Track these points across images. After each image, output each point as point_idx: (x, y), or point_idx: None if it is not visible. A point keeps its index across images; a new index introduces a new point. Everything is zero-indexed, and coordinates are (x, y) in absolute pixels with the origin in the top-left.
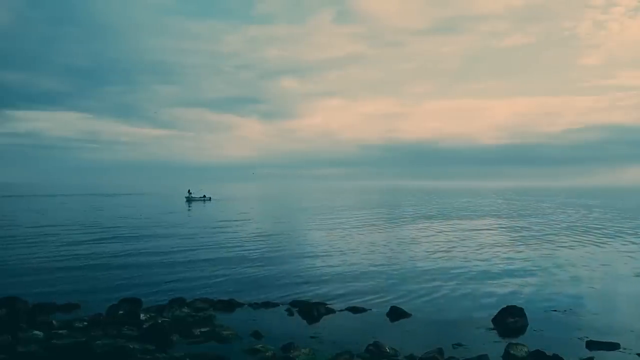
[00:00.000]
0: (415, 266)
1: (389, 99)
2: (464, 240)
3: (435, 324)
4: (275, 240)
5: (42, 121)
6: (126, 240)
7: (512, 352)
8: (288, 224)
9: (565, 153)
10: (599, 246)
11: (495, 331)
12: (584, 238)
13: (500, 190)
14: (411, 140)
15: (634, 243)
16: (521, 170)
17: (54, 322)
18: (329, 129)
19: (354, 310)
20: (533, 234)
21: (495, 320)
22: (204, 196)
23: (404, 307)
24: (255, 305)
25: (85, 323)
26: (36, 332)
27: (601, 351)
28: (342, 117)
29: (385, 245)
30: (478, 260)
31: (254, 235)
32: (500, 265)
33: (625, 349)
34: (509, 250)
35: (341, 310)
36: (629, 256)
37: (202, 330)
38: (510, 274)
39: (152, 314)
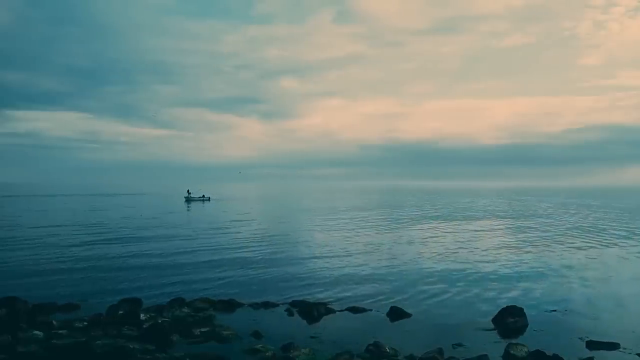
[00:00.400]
0: (415, 266)
1: (389, 99)
2: (464, 240)
3: (435, 324)
4: (275, 241)
5: (42, 121)
6: (126, 240)
7: (512, 352)
8: (288, 224)
9: (565, 153)
10: (600, 246)
11: (495, 331)
12: (584, 238)
13: (500, 190)
14: (411, 140)
15: (634, 245)
16: (521, 170)
17: (54, 322)
18: (329, 129)
19: (354, 310)
20: (533, 234)
21: (495, 320)
22: (203, 196)
23: (404, 307)
24: (255, 305)
25: (85, 323)
26: (36, 332)
27: (601, 351)
28: (342, 117)
29: (385, 246)
30: (478, 260)
31: (253, 235)
32: (501, 266)
33: (625, 349)
34: (509, 251)
35: (341, 310)
36: (629, 256)
37: (202, 330)
38: (510, 274)
39: (152, 314)
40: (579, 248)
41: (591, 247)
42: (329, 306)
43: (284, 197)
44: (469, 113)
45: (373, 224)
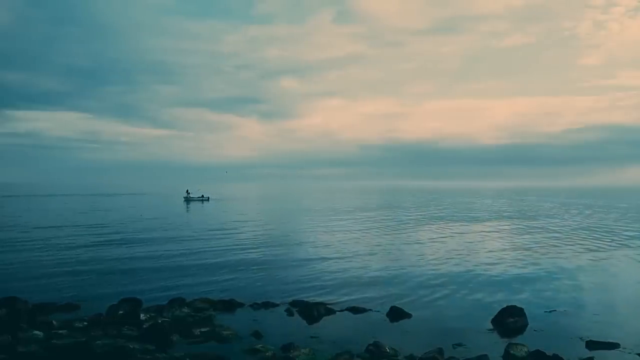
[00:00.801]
0: (415, 267)
1: (389, 99)
2: (464, 240)
3: (435, 324)
4: (275, 241)
5: (42, 121)
6: (126, 240)
7: (512, 352)
8: (288, 225)
9: (565, 153)
10: (600, 246)
11: (495, 331)
12: (585, 238)
13: (500, 190)
14: (411, 140)
15: (634, 245)
16: (521, 170)
17: (54, 322)
18: (329, 129)
19: (354, 310)
20: (533, 234)
21: (495, 320)
22: (202, 196)
23: (404, 308)
24: (255, 305)
25: (85, 323)
26: (36, 332)
27: (601, 351)
28: (342, 117)
29: (385, 246)
30: (478, 260)
31: (253, 235)
32: (501, 266)
33: (625, 349)
34: (509, 251)
35: (341, 310)
36: (629, 256)
37: (202, 330)
38: (510, 274)
39: (152, 314)
40: (580, 248)
41: (592, 247)
42: (329, 306)
43: (283, 197)
44: (469, 113)
45: (373, 224)
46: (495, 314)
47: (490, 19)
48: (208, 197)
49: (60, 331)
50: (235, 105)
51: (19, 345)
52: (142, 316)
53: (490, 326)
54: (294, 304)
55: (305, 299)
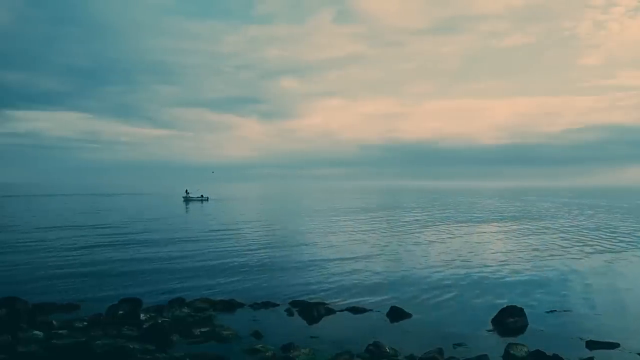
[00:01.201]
0: (416, 267)
1: (389, 99)
2: (464, 241)
3: (435, 324)
4: (275, 241)
5: (42, 121)
6: (126, 240)
7: (512, 352)
8: (287, 225)
9: (565, 153)
10: (601, 246)
11: (495, 331)
12: (585, 238)
13: (500, 190)
14: (411, 140)
15: (635, 245)
16: (521, 170)
17: (54, 322)
18: (329, 129)
19: (354, 310)
20: (532, 234)
21: (495, 320)
22: (202, 196)
23: (404, 308)
24: (255, 305)
25: (85, 323)
26: (36, 332)
27: (601, 351)
28: (342, 117)
29: (384, 246)
30: (478, 261)
31: (252, 235)
32: (501, 266)
33: (625, 349)
34: (509, 251)
35: (341, 310)
36: (630, 256)
37: (202, 330)
38: (511, 274)
39: (152, 314)
40: (580, 248)
41: (592, 247)
42: (329, 306)
43: (283, 198)
44: (469, 113)
45: (373, 225)
46: (495, 314)
47: (490, 19)
48: (207, 197)
49: (60, 331)
50: (235, 105)
51: (19, 345)
52: (142, 316)
53: (490, 326)
54: (294, 304)
55: (305, 299)
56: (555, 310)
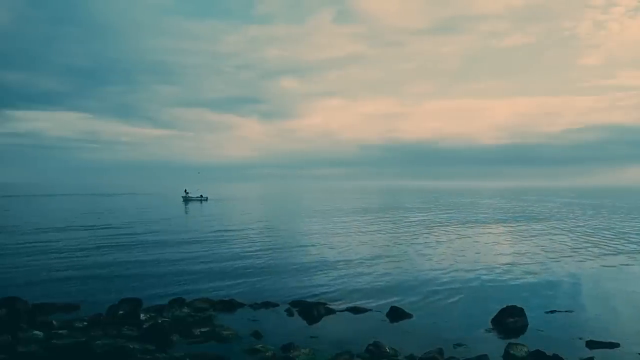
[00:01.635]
0: (416, 267)
1: (389, 99)
2: (464, 241)
3: (435, 324)
4: (275, 241)
5: (42, 121)
6: (126, 240)
7: (512, 352)
8: (287, 225)
9: (565, 153)
10: (601, 246)
11: (495, 331)
12: (586, 238)
13: (500, 190)
14: (411, 140)
15: (635, 245)
16: (521, 170)
17: (54, 322)
18: (329, 129)
19: (354, 310)
20: (532, 234)
21: (495, 320)
22: (201, 196)
23: (404, 308)
24: (255, 305)
25: (85, 323)
26: (36, 332)
27: (601, 351)
28: (342, 117)
29: (385, 247)
30: (478, 261)
31: (252, 235)
32: (501, 266)
33: (625, 349)
34: (509, 252)
35: (341, 310)
36: (630, 256)
37: (202, 330)
38: (511, 274)
39: (152, 314)
40: (581, 248)
41: (593, 247)
42: (329, 306)
43: (283, 198)
44: (469, 113)
45: (373, 225)
46: (495, 314)
47: (490, 19)
48: (207, 197)
49: (60, 331)
50: (235, 105)
51: (19, 345)
52: (142, 316)
53: (490, 326)
54: (294, 304)
55: (305, 299)
56: (555, 310)
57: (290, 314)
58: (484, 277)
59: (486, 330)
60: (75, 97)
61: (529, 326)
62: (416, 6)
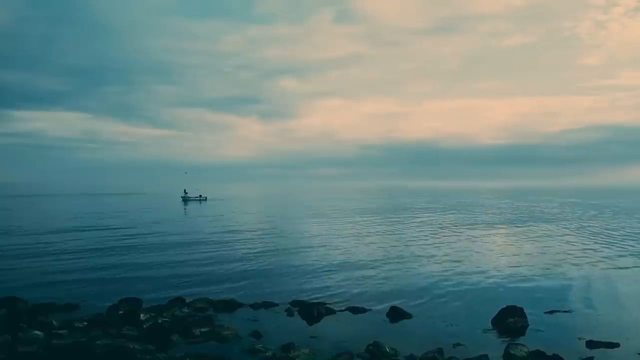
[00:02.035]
0: (416, 267)
1: (389, 99)
2: (465, 242)
3: (435, 324)
4: (274, 241)
5: (42, 121)
6: (125, 240)
7: (512, 352)
8: (287, 225)
9: (565, 153)
10: (602, 246)
11: (495, 331)
12: (586, 238)
13: (500, 190)
14: (411, 140)
15: (635, 245)
16: (521, 170)
17: (54, 322)
18: (329, 129)
19: (354, 310)
20: (532, 235)
21: (495, 320)
22: (200, 196)
23: (404, 308)
24: (255, 305)
25: (85, 323)
26: (36, 332)
27: (601, 351)
28: (342, 117)
29: (385, 247)
30: (478, 261)
31: (252, 235)
32: (501, 266)
33: (625, 349)
34: (510, 252)
35: (341, 310)
36: (630, 256)
37: (202, 330)
38: (511, 274)
39: (152, 314)
40: (581, 248)
41: (593, 247)
42: (329, 306)
43: (283, 198)
44: (469, 113)
45: (373, 225)
46: (495, 314)
47: (490, 19)
48: (206, 197)
49: (60, 331)
50: (235, 105)
51: (19, 345)
52: (142, 316)
53: (490, 326)
54: (294, 304)
55: (305, 299)
56: (555, 311)
57: (290, 314)
58: (484, 277)
59: (486, 330)
60: (75, 97)
61: (529, 326)
62: (416, 6)
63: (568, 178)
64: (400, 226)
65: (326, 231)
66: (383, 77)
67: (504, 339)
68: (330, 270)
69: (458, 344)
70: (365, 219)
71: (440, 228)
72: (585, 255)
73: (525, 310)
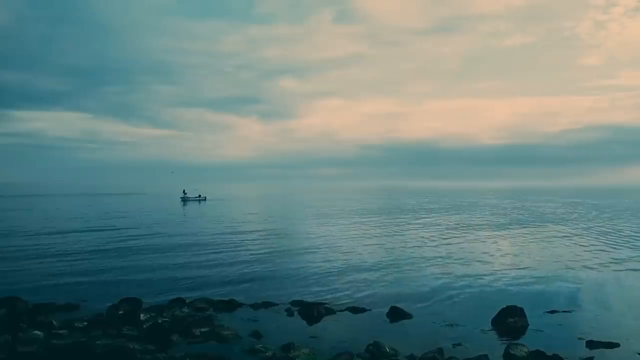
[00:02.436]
0: (416, 267)
1: (389, 99)
2: (465, 241)
3: (435, 324)
4: (274, 241)
5: (42, 121)
6: (125, 240)
7: (512, 352)
8: (287, 225)
9: (565, 153)
10: (602, 246)
11: (495, 331)
12: (586, 238)
13: (500, 190)
14: (411, 140)
15: (635, 245)
16: (521, 170)
17: (54, 322)
18: (329, 129)
19: (354, 310)
20: (531, 234)
21: (495, 320)
22: (199, 196)
23: (404, 307)
24: (255, 305)
25: (85, 323)
26: (36, 332)
27: (601, 351)
28: (342, 117)
29: (385, 247)
30: (478, 261)
31: (252, 235)
32: (501, 267)
33: (625, 349)
34: (510, 252)
35: (341, 310)
36: (630, 256)
37: (202, 330)
38: (511, 275)
39: (152, 314)
40: (581, 248)
41: (593, 247)
42: (329, 306)
43: (283, 198)
44: (469, 113)
45: (373, 225)
46: (495, 314)
47: (490, 19)
48: (205, 197)
49: (60, 331)
50: (235, 105)
51: (19, 345)
52: (142, 316)
53: (490, 326)
54: (294, 304)
55: (305, 299)
56: (555, 311)
57: (290, 314)
58: (484, 277)
59: (486, 330)
60: (75, 97)
61: (529, 326)
62: (416, 6)
63: (568, 178)
64: (400, 226)
65: (326, 231)
66: (383, 77)
67: (504, 339)
68: (330, 271)
69: (458, 344)
70: (364, 219)
71: (440, 228)
72: (586, 255)
73: (525, 310)
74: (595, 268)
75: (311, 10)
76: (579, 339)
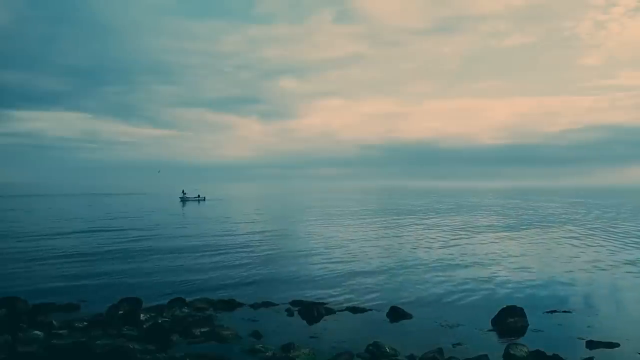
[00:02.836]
0: (416, 267)
1: (389, 99)
2: (465, 241)
3: (435, 324)
4: (274, 241)
5: (42, 121)
6: (125, 240)
7: (512, 352)
8: (287, 225)
9: (565, 153)
10: (601, 245)
11: (495, 331)
12: (587, 238)
13: (500, 190)
14: (411, 140)
15: (634, 245)
16: (521, 170)
17: (54, 322)
18: (329, 129)
19: (354, 310)
20: (531, 234)
21: (495, 320)
22: (199, 196)
23: (404, 307)
24: (255, 305)
25: (85, 323)
26: (36, 332)
27: (601, 351)
28: (342, 117)
29: (385, 247)
30: (478, 261)
31: (251, 235)
32: (501, 267)
33: (625, 349)
34: (509, 252)
35: (341, 310)
36: (630, 256)
37: (202, 330)
38: (511, 275)
39: (152, 314)
40: (581, 248)
41: (593, 247)
42: (329, 306)
43: (282, 198)
44: (469, 113)
45: (373, 225)
46: (495, 314)
47: (490, 19)
48: (204, 197)
49: (60, 331)
50: (235, 105)
51: (19, 345)
52: (142, 316)
53: (490, 326)
54: (294, 304)
55: (305, 299)
56: (555, 311)
57: (290, 314)
58: (484, 277)
59: (486, 330)
60: (75, 97)
61: (529, 326)
62: (416, 6)
63: (568, 178)
64: (400, 227)
65: (326, 231)
66: (383, 77)
67: (504, 339)
68: (330, 271)
69: (458, 344)
70: (364, 219)
71: (441, 229)
72: (586, 255)
73: (525, 310)
74: (596, 268)
75: (311, 10)
76: (579, 339)
